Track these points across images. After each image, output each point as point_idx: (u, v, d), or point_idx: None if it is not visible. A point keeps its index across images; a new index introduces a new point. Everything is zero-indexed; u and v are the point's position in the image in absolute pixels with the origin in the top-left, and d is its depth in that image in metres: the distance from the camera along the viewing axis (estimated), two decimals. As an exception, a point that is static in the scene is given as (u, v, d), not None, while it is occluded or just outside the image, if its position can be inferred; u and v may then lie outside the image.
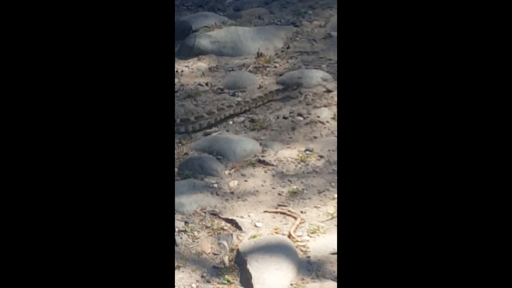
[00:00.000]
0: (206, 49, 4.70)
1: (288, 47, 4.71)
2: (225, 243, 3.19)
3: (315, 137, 3.89)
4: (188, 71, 4.58)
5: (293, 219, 3.32)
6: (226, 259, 3.12)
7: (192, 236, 3.20)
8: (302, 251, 3.13)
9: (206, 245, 3.18)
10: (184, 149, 3.83)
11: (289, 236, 3.20)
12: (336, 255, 3.07)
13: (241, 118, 4.08)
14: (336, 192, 3.44)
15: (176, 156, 3.74)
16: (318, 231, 3.23)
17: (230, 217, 3.34)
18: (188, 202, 3.40)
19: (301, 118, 4.03)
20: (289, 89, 4.25)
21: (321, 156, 3.72)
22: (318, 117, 4.02)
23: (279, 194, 3.50)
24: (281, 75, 4.39)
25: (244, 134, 3.96)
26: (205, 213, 3.35)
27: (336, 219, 3.27)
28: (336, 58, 4.49)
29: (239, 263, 3.07)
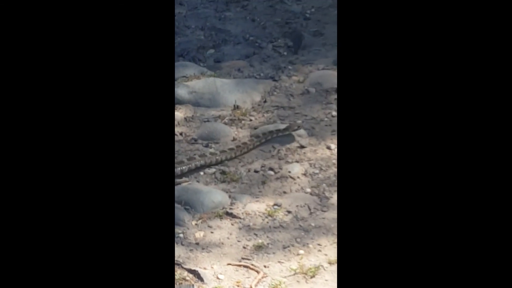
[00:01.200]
0: (183, 99, 4.75)
1: (265, 101, 4.78)
2: (185, 293, 3.23)
3: (284, 192, 3.93)
4: (164, 119, 4.63)
5: (255, 273, 3.36)
6: (186, 310, 3.16)
7: (153, 285, 3.23)
8: (262, 305, 3.17)
9: (166, 295, 3.20)
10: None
11: (250, 290, 3.24)
12: (295, 311, 3.12)
13: (212, 170, 4.13)
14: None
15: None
16: (280, 286, 3.27)
17: (193, 268, 3.38)
18: (152, 250, 3.43)
19: (272, 173, 4.09)
20: (290, 129, 4.36)
21: (289, 212, 3.77)
22: (289, 172, 4.07)
23: (244, 247, 3.55)
24: (255, 128, 4.46)
25: (214, 186, 4.01)
26: (168, 262, 3.39)
27: (300, 275, 3.33)
28: (313, 114, 4.57)
29: (198, 315, 3.11)
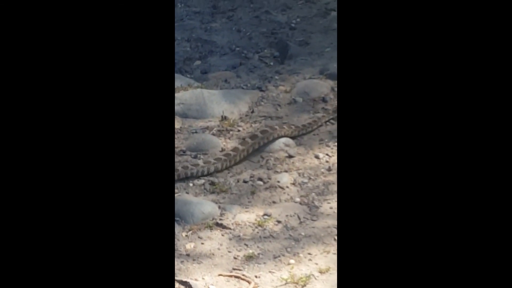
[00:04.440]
0: (171, 111, 4.76)
1: (252, 111, 4.80)
2: (177, 305, 3.23)
3: (274, 202, 3.95)
4: (152, 131, 4.64)
5: (247, 283, 3.37)
6: (178, 321, 3.16)
7: (145, 297, 3.23)
8: (254, 316, 3.18)
9: (158, 307, 3.20)
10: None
11: (242, 300, 3.25)
12: (287, 321, 3.13)
13: (201, 181, 4.14)
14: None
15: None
16: (272, 296, 3.28)
17: (184, 279, 3.38)
18: (143, 263, 3.43)
19: (261, 183, 4.10)
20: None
21: (279, 221, 3.78)
22: (278, 182, 4.08)
23: (235, 258, 3.55)
24: (243, 139, 4.47)
25: (203, 197, 4.02)
26: (159, 274, 3.39)
27: (291, 284, 3.33)
28: (300, 124, 4.59)
29: (190, 326, 3.11)
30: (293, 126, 4.49)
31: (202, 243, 3.66)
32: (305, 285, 3.33)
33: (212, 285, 3.37)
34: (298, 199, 3.96)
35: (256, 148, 4.33)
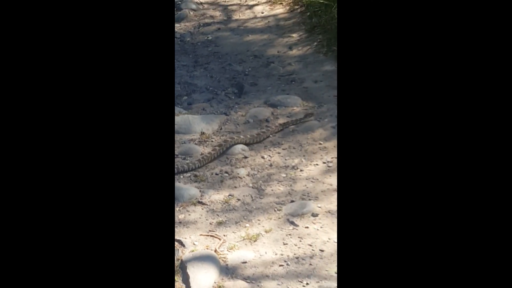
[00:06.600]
0: (168, 129, 4.73)
1: (221, 129, 4.79)
2: (173, 255, 3.23)
3: (235, 187, 3.95)
4: (156, 143, 4.58)
5: (218, 240, 3.39)
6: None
7: (152, 250, 3.22)
8: (223, 260, 3.19)
9: (161, 256, 3.20)
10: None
11: (215, 251, 3.26)
12: (245, 264, 3.14)
13: (188, 174, 4.12)
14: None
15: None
16: (234, 248, 3.30)
17: (178, 238, 3.39)
18: (150, 228, 3.42)
19: (227, 175, 4.10)
20: (304, 118, 4.58)
21: (239, 199, 3.79)
22: (238, 174, 4.09)
23: (210, 224, 3.56)
24: (213, 147, 4.47)
25: (190, 184, 4.00)
26: (161, 235, 3.39)
27: (247, 240, 3.34)
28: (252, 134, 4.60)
29: (182, 268, 3.13)
30: (248, 136, 4.48)
31: (189, 215, 3.65)
32: (255, 240, 3.35)
33: (196, 241, 3.38)
34: (251, 185, 3.96)
35: (221, 152, 4.31)
